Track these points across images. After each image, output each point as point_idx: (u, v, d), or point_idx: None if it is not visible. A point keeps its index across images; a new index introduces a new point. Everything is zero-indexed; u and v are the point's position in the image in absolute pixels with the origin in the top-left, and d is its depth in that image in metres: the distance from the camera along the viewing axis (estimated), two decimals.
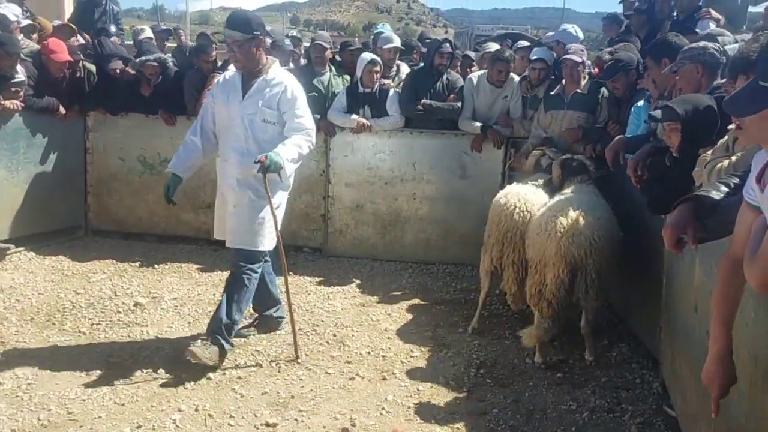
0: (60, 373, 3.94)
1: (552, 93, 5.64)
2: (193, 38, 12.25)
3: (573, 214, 4.13)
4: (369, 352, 4.43)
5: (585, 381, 4.10)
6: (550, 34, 7.52)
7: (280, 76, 4.17)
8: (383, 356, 4.39)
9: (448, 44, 6.25)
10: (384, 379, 4.07)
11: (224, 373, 4.03)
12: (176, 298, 5.25)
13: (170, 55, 7.78)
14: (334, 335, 4.68)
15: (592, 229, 4.09)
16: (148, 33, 8.73)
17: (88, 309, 4.95)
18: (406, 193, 6.28)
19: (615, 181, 4.67)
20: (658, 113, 3.51)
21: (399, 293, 5.57)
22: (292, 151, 4.00)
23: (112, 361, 4.13)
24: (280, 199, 4.23)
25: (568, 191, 4.66)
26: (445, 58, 6.12)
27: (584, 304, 4.18)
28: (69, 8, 10.82)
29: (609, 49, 5.61)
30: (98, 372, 3.98)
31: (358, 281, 5.82)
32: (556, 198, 4.50)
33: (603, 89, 5.47)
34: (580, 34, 6.64)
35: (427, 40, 9.93)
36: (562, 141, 5.37)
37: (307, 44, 8.53)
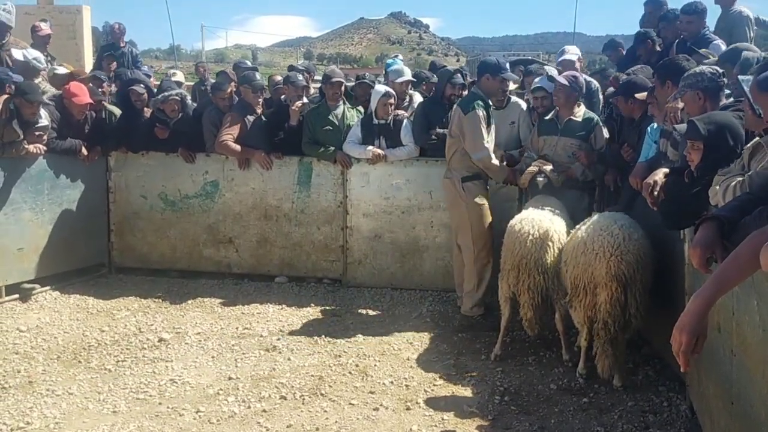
0: (87, 411, 3.98)
1: (546, 118, 5.70)
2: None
3: (618, 232, 4.15)
4: (392, 382, 4.43)
5: (611, 406, 4.06)
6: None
7: None
8: (406, 386, 4.38)
9: (459, 75, 6.32)
10: (408, 408, 4.06)
11: (249, 407, 4.05)
12: (200, 332, 5.29)
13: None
14: (357, 365, 4.68)
15: (638, 247, 4.12)
16: (179, 77, 8.86)
17: (113, 346, 5.01)
18: (424, 222, 6.31)
19: (635, 203, 4.67)
20: (683, 127, 3.50)
21: (420, 322, 5.57)
22: None
23: (139, 398, 4.16)
24: None
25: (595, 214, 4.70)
26: (456, 88, 6.18)
27: (633, 322, 4.17)
28: (88, 53, 11.16)
29: (634, 68, 5.66)
30: (125, 409, 4.02)
31: (378, 311, 5.84)
32: (594, 219, 4.49)
33: (597, 117, 5.57)
34: (572, 53, 6.73)
35: (443, 68, 10.06)
36: (557, 161, 5.41)
37: (318, 77, 8.69)
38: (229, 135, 6.34)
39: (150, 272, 6.75)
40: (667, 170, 3.89)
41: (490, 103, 5.62)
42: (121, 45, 9.55)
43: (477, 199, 5.54)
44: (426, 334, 5.29)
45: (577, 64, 6.68)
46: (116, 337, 5.17)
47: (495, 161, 5.51)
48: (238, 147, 6.36)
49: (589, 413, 3.98)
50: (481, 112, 5.39)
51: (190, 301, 6.04)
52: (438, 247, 6.31)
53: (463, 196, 5.54)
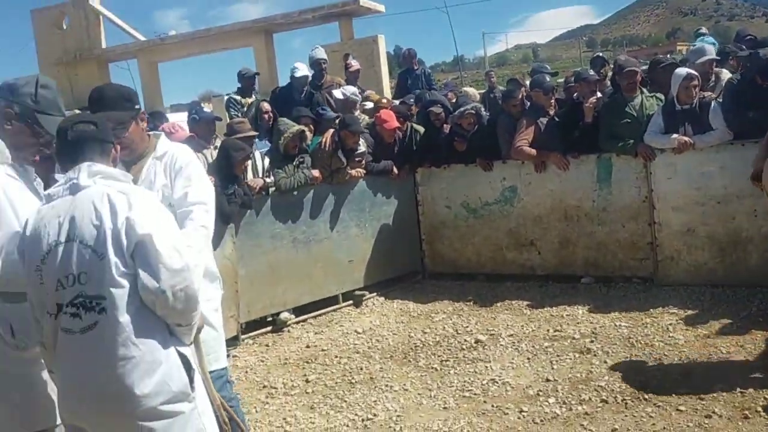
0: (422, 406, 4.41)
1: None
2: None
3: None
4: (722, 388, 4.09)
5: None
6: None
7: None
8: (741, 392, 4.01)
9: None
10: (746, 417, 3.73)
11: (570, 409, 4.09)
12: (512, 334, 5.48)
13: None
14: (680, 370, 4.43)
15: None
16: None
17: (435, 347, 5.45)
18: (745, 211, 5.69)
19: None
20: None
21: (749, 322, 5.05)
22: None
23: (465, 396, 4.48)
24: None
25: None
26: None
27: None
28: (385, 78, 12.28)
29: None
30: (454, 405, 4.36)
31: (698, 310, 5.43)
32: None
33: None
34: None
35: (747, 38, 8.92)
36: None
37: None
38: (524, 140, 6.48)
39: (458, 276, 7.19)
40: None
41: None
42: (415, 68, 10.34)
43: None
44: (759, 335, 4.78)
45: None
46: (437, 339, 5.62)
47: None
48: (533, 151, 6.47)
49: None
50: None
51: (498, 304, 6.29)
52: (764, 238, 5.64)
53: None
